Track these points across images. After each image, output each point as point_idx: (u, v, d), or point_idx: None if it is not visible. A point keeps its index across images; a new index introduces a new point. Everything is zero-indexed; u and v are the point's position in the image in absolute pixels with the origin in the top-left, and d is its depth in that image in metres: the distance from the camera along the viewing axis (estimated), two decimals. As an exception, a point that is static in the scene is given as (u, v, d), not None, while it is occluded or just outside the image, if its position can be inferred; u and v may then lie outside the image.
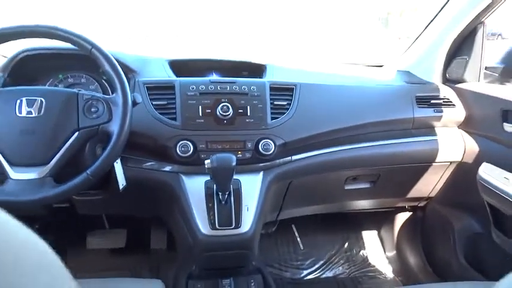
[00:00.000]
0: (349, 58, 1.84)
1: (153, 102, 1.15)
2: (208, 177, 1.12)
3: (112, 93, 0.96)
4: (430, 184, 1.55)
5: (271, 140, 1.16)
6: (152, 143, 1.13)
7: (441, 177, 1.52)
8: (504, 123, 1.25)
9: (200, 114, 1.15)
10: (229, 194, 1.11)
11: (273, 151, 1.16)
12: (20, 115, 0.89)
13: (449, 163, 1.45)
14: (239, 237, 1.10)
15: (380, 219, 2.00)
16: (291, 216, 1.62)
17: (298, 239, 2.01)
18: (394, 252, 1.96)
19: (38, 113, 0.90)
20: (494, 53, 1.49)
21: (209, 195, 1.11)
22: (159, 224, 1.73)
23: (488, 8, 1.30)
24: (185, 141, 1.11)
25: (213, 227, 1.08)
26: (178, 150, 1.11)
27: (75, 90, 0.95)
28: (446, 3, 1.42)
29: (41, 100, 0.90)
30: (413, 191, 1.57)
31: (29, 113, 0.89)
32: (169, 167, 1.17)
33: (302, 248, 1.98)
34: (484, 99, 1.34)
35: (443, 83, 1.51)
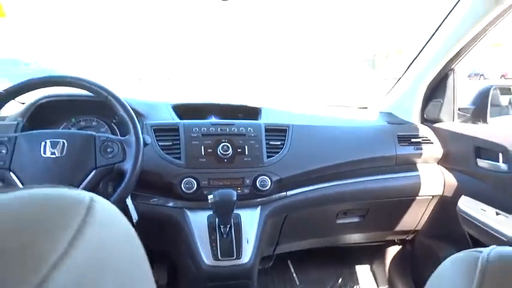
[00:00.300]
0: (337, 100, 2.00)
1: (160, 143, 1.27)
2: (210, 212, 1.22)
3: (125, 135, 1.08)
4: (415, 217, 1.66)
5: (267, 176, 1.28)
6: (159, 180, 1.23)
7: (425, 210, 1.63)
8: (477, 159, 1.38)
9: (203, 154, 1.27)
10: (230, 227, 1.20)
11: (270, 187, 1.27)
12: (44, 155, 0.99)
13: (431, 197, 1.57)
14: (240, 267, 1.18)
15: (372, 253, 2.07)
16: (287, 250, 1.70)
17: (294, 274, 2.06)
18: (386, 286, 2.02)
19: (60, 154, 1.00)
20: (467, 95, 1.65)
21: (212, 229, 1.20)
22: (160, 260, 1.79)
23: (456, 57, 1.47)
24: (189, 179, 1.22)
25: (215, 258, 1.17)
26: (183, 187, 1.21)
27: (93, 132, 1.07)
28: (421, 51, 1.59)
29: (63, 142, 1.01)
30: (401, 225, 1.67)
31: (53, 153, 1.00)
32: (175, 203, 1.26)
33: (298, 284, 2.03)
34: (458, 138, 1.48)
35: (422, 122, 1.65)
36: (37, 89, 1.05)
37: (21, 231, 0.24)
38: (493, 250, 0.44)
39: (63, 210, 0.26)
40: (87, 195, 0.28)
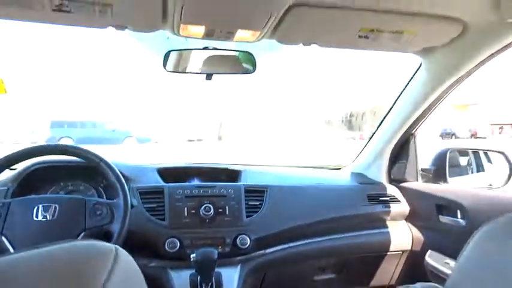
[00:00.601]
0: (312, 162, 2.14)
1: (145, 205, 1.35)
2: (193, 270, 1.27)
3: (113, 198, 1.16)
4: (388, 273, 1.74)
5: (246, 235, 1.36)
6: (143, 240, 1.30)
7: (397, 265, 1.72)
8: (439, 215, 1.51)
9: (186, 215, 1.35)
10: (211, 286, 1.25)
11: (249, 245, 1.35)
12: (36, 219, 1.06)
13: (401, 252, 1.67)
14: None
15: None
16: None
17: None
18: None
19: (52, 217, 1.07)
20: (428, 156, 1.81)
21: (194, 287, 1.25)
22: None
23: (415, 123, 1.65)
24: (173, 239, 1.29)
25: None
26: (166, 247, 1.28)
27: (83, 196, 1.15)
28: (385, 117, 1.77)
29: (55, 206, 1.09)
30: (375, 280, 1.74)
31: (44, 217, 1.07)
32: (158, 262, 1.32)
33: None
34: (422, 196, 1.62)
35: (390, 182, 1.79)
36: (33, 157, 1.14)
37: (60, 280, 0.33)
38: None
39: (94, 259, 0.35)
40: (112, 246, 0.38)
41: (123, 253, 0.38)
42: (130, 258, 0.39)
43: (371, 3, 0.98)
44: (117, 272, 0.35)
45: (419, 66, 1.45)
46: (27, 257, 0.39)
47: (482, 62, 1.25)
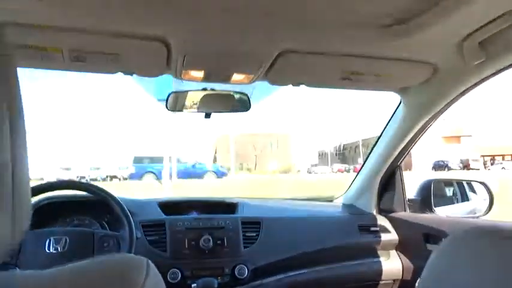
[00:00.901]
0: (306, 193, 2.23)
1: (148, 238, 1.42)
2: None
3: (119, 230, 1.24)
4: None
5: (244, 265, 1.43)
6: None
7: None
8: (426, 244, 1.59)
9: (186, 246, 1.42)
10: None
11: (247, 275, 1.42)
12: (48, 251, 1.13)
13: (392, 281, 1.73)
14: None
15: None
16: None
17: None
18: None
19: (62, 249, 1.14)
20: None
21: None
22: None
23: (399, 156, 1.76)
24: (174, 269, 1.36)
25: None
26: (168, 278, 1.34)
27: (91, 229, 1.22)
28: (372, 150, 1.88)
29: (65, 238, 1.16)
30: None
31: (56, 249, 1.14)
32: None
33: None
34: (410, 226, 1.70)
35: (379, 213, 1.88)
36: (47, 192, 1.23)
37: None
38: None
39: (128, 272, 0.42)
40: (143, 258, 0.45)
41: (152, 265, 0.44)
42: (157, 270, 0.45)
43: (351, 49, 1.11)
44: (148, 284, 0.41)
45: (399, 103, 1.58)
46: (61, 272, 0.42)
47: (454, 100, 1.38)
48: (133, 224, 1.23)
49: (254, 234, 1.54)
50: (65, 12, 0.86)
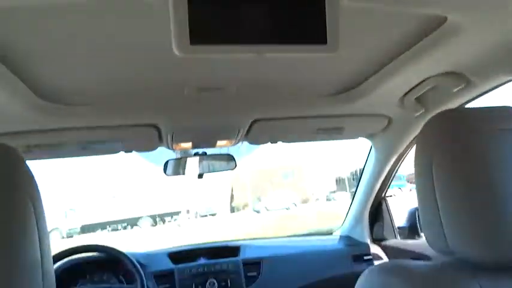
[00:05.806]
0: (305, 228, 2.39)
1: (159, 286, 1.61)
2: None
3: (132, 283, 1.43)
4: None
5: None
6: None
7: None
8: (415, 268, 1.72)
9: None
10: None
11: None
12: None
13: None
14: None
15: None
16: None
17: None
18: None
19: None
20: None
21: None
22: None
23: (382, 187, 1.92)
24: None
25: None
26: None
27: (110, 285, 1.42)
28: (359, 182, 2.04)
29: None
30: None
31: None
32: None
33: None
34: (399, 252, 1.84)
35: (373, 241, 2.02)
36: (69, 256, 1.44)
37: None
38: None
39: None
40: None
41: None
42: None
43: (313, 112, 1.32)
44: None
45: (371, 147, 1.77)
46: None
47: (410, 145, 1.57)
48: (143, 276, 1.43)
49: (255, 274, 1.71)
50: (75, 115, 1.10)
